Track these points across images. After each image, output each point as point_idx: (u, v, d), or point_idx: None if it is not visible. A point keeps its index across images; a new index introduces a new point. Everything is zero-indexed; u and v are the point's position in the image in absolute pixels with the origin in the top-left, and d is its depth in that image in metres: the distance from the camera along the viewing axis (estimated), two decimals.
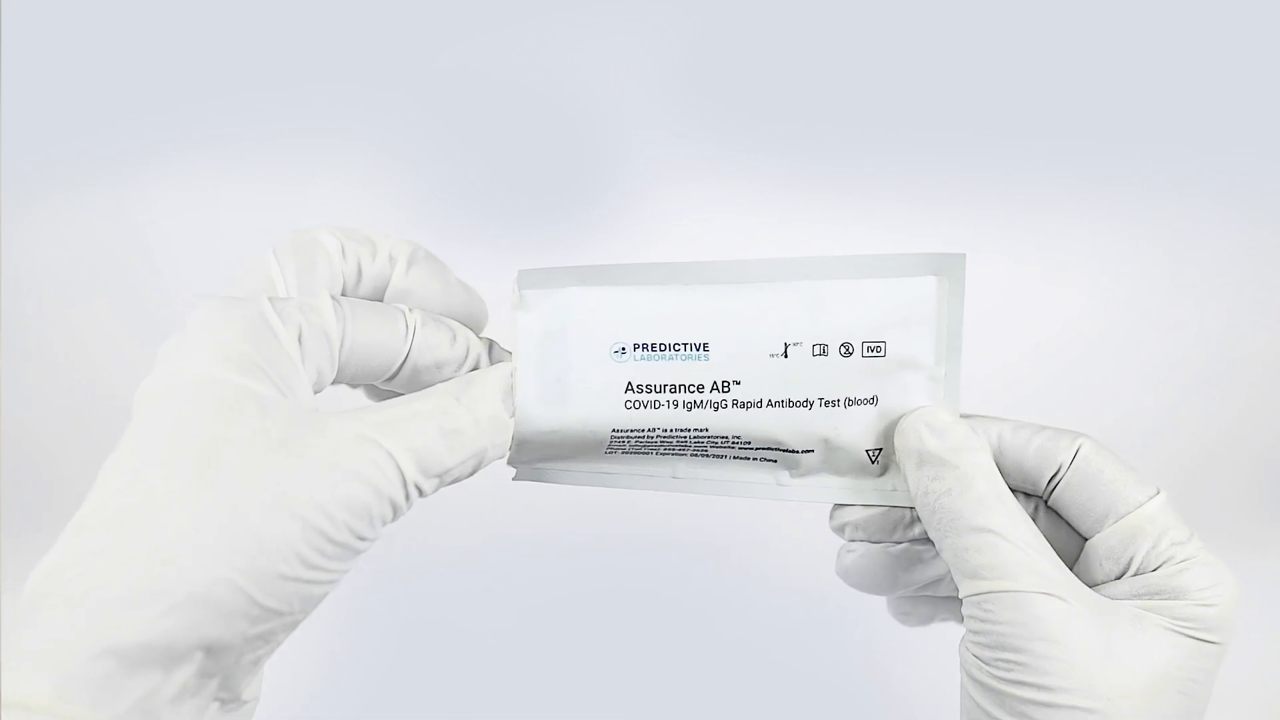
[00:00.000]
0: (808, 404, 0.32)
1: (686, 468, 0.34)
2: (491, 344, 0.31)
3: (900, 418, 0.32)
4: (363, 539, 0.26)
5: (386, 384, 0.30)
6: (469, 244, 0.66)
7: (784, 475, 0.33)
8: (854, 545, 0.34)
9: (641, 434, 0.32)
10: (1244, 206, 0.67)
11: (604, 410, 0.31)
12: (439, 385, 0.29)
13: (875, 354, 0.32)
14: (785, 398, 0.32)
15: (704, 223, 0.67)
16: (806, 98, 0.65)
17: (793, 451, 0.33)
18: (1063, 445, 0.31)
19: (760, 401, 0.32)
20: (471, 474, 0.29)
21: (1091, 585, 0.31)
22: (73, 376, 0.67)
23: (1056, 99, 0.65)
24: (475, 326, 0.31)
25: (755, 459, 0.33)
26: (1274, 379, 0.69)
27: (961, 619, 0.36)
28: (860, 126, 0.65)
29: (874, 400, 0.32)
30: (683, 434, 0.32)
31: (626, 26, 0.64)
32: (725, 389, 0.32)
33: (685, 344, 0.31)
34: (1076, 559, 0.32)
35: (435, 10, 0.64)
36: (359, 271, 0.29)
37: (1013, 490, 0.31)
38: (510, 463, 0.33)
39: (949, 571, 0.33)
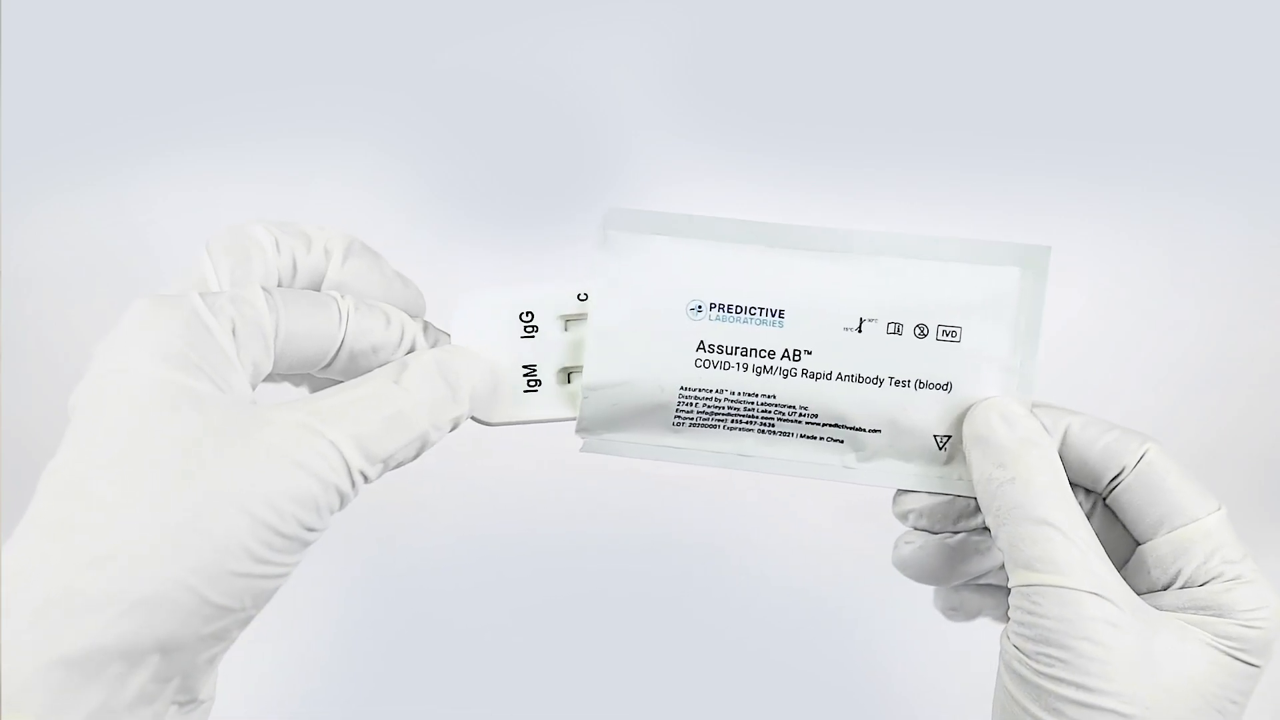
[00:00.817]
0: (878, 381, 0.32)
1: (753, 445, 0.33)
2: (426, 325, 0.31)
3: (971, 405, 0.32)
4: (311, 530, 0.26)
5: (323, 372, 0.29)
6: (469, 244, 0.66)
7: (850, 458, 0.33)
8: (911, 537, 0.34)
9: (709, 396, 0.32)
10: (1244, 206, 0.67)
11: (674, 366, 0.32)
12: (376, 370, 0.29)
13: (950, 339, 0.32)
14: (856, 372, 0.32)
15: None
16: (806, 98, 0.65)
17: (859, 430, 0.32)
18: (1129, 447, 0.31)
19: (830, 374, 0.32)
20: (415, 456, 0.28)
21: (1137, 592, 0.31)
22: (73, 376, 0.67)
23: (1056, 99, 0.65)
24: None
25: (822, 438, 0.33)
26: (1274, 379, 0.69)
27: (1006, 616, 0.36)
28: (860, 126, 0.65)
29: (947, 387, 0.32)
30: (750, 400, 0.32)
31: (626, 26, 0.64)
32: (796, 358, 0.32)
33: (761, 308, 0.32)
34: (1126, 563, 0.32)
35: (435, 10, 0.64)
36: (294, 265, 0.29)
37: (1072, 485, 0.31)
38: (578, 430, 0.33)
39: (1002, 564, 0.33)
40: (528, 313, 0.32)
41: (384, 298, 0.30)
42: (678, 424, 0.33)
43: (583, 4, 0.64)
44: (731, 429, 0.33)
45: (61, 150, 0.66)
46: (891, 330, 0.32)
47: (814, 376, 0.32)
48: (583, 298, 0.32)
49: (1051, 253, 0.31)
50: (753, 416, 0.33)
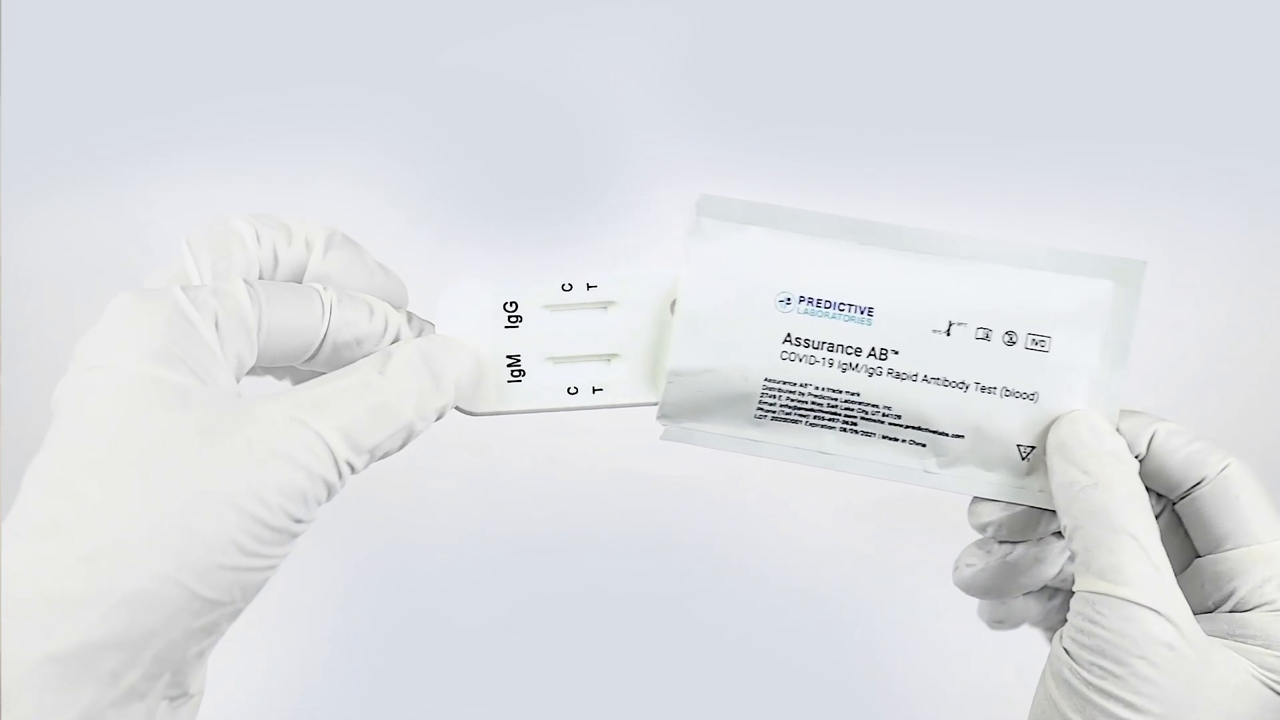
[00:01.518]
0: (964, 386, 0.32)
1: (835, 443, 0.33)
2: (410, 315, 0.31)
3: (1057, 417, 0.32)
4: (299, 522, 0.25)
5: (307, 364, 0.29)
6: (469, 244, 0.66)
7: (931, 462, 0.33)
8: (971, 559, 0.34)
9: (793, 389, 0.32)
10: (1244, 206, 0.67)
11: (760, 357, 0.31)
12: (361, 360, 0.29)
13: (1039, 348, 0.31)
14: (942, 376, 0.32)
15: None
16: (806, 98, 0.65)
17: (942, 434, 0.32)
18: (1211, 460, 0.31)
19: (916, 375, 0.32)
20: (401, 446, 0.28)
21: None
22: None
23: (1056, 99, 0.65)
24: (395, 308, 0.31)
25: (904, 440, 0.33)
26: (1274, 379, 0.69)
27: (1045, 623, 0.35)
28: (860, 126, 0.65)
29: (1033, 397, 0.32)
30: (833, 396, 0.32)
31: (626, 26, 0.64)
32: (883, 356, 0.31)
33: (851, 304, 0.31)
34: (1181, 573, 0.32)
35: (435, 10, 0.64)
36: (275, 258, 0.29)
37: (1147, 487, 0.31)
38: (660, 417, 0.33)
39: (1055, 573, 0.34)
40: (511, 303, 0.32)
41: (367, 289, 0.30)
42: (760, 416, 0.32)
43: (583, 4, 0.64)
44: (813, 425, 0.33)
45: (61, 150, 0.66)
46: (980, 336, 0.31)
47: (899, 377, 0.31)
48: (567, 288, 0.32)
49: (1146, 267, 0.31)
50: (835, 414, 0.32)
